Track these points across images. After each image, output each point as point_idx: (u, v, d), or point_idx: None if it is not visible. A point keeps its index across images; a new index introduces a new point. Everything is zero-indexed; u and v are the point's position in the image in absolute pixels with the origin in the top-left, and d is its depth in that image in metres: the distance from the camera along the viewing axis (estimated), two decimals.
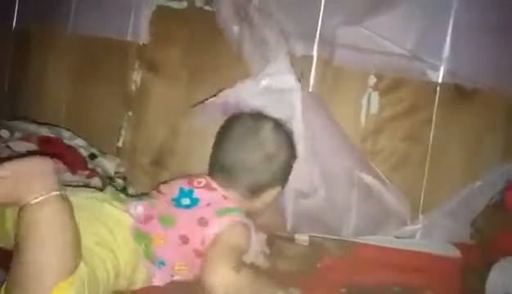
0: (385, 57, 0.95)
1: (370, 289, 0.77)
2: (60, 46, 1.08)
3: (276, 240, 0.89)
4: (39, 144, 0.85)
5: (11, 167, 0.54)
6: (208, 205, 0.72)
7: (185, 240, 0.69)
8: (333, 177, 0.90)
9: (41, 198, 0.53)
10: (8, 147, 0.80)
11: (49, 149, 0.85)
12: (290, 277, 0.77)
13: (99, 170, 0.92)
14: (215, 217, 0.70)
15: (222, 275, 0.63)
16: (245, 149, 0.77)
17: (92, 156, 0.94)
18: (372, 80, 0.96)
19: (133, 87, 1.05)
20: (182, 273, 0.70)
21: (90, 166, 0.92)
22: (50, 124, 0.96)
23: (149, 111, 1.05)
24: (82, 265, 0.56)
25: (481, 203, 0.91)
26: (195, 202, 0.73)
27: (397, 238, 0.93)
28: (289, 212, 0.89)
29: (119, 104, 1.05)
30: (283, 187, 0.82)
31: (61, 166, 0.72)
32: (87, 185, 0.86)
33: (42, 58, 1.08)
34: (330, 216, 0.90)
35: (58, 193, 0.54)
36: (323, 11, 0.96)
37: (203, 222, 0.70)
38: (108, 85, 1.06)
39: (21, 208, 0.53)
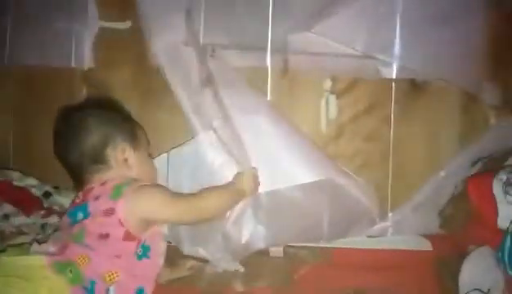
0: (338, 59, 0.95)
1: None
2: (4, 79, 1.02)
3: (251, 256, 0.87)
4: None
5: None
6: (97, 198, 0.72)
7: (105, 236, 0.69)
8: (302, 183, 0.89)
9: None
10: None
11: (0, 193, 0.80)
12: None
13: (56, 208, 0.87)
14: (114, 202, 0.71)
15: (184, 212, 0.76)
16: (69, 138, 0.79)
17: (47, 194, 0.89)
18: (328, 83, 0.97)
19: None
20: (117, 280, 0.68)
21: (46, 205, 0.86)
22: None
23: None
24: None
25: (446, 193, 0.92)
26: (85, 207, 0.72)
27: (369, 237, 0.93)
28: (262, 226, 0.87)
29: None
30: (130, 143, 0.80)
31: None
32: (44, 225, 0.81)
33: None
34: (304, 223, 0.89)
35: None
36: (271, 21, 0.95)
37: (108, 212, 0.70)
38: (55, 115, 1.00)
39: None
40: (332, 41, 0.94)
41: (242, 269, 0.83)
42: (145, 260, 0.72)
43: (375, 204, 0.95)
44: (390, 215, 0.95)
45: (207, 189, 0.80)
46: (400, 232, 0.94)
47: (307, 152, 0.92)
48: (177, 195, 0.78)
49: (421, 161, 0.97)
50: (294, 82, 0.96)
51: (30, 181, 0.89)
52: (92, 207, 0.71)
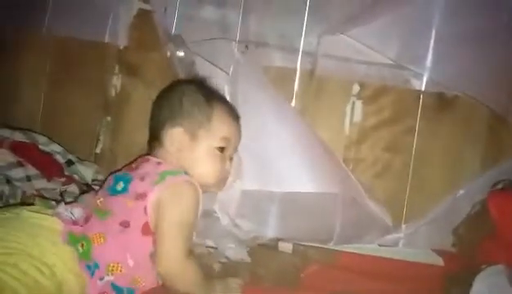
0: (368, 66, 0.95)
1: None
2: (35, 49, 1.04)
3: (259, 248, 0.87)
4: (13, 150, 0.81)
5: None
6: (143, 179, 0.69)
7: (126, 224, 0.66)
8: (317, 186, 0.89)
9: None
10: None
11: (23, 154, 0.81)
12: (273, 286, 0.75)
13: (76, 177, 0.89)
14: (153, 187, 0.67)
15: (170, 264, 0.65)
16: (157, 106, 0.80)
17: (69, 163, 0.90)
18: (356, 88, 0.97)
19: (113, 92, 1.03)
20: (116, 273, 0.65)
21: (67, 173, 0.88)
22: (25, 129, 0.92)
23: (128, 116, 1.02)
24: None
25: (463, 212, 0.91)
26: (128, 180, 0.70)
27: (380, 246, 0.93)
28: (273, 218, 0.87)
29: (98, 109, 1.02)
30: (188, 128, 0.75)
31: None
32: (62, 192, 0.82)
33: (17, 61, 1.04)
34: (315, 223, 0.89)
35: None
36: (305, 23, 0.96)
37: (141, 196, 0.67)
38: (86, 89, 1.03)
39: None
40: (364, 47, 0.94)
41: (249, 260, 0.83)
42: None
43: (387, 215, 0.96)
44: (404, 226, 0.94)
45: (198, 269, 0.68)
46: (412, 245, 0.93)
47: (322, 158, 0.93)
48: (188, 234, 0.68)
49: (441, 176, 0.96)
50: (322, 84, 0.97)
51: (55, 147, 0.90)
52: (134, 185, 0.69)
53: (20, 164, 0.81)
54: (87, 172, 0.91)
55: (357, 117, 0.96)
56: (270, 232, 0.88)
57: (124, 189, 0.69)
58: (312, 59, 0.95)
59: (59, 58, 1.04)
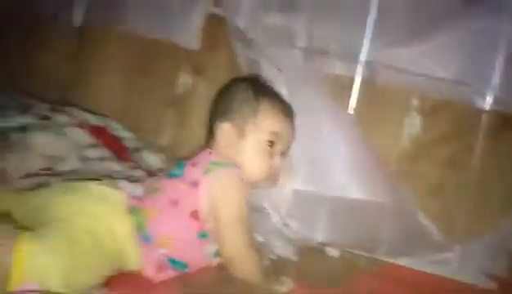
0: (430, 80, 0.95)
1: None
2: (116, 44, 1.13)
3: (306, 249, 0.89)
4: (91, 132, 0.89)
5: None
6: (195, 165, 0.74)
7: (175, 203, 0.71)
8: (368, 193, 0.90)
9: None
10: (64, 134, 0.85)
11: (100, 137, 0.89)
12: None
13: (142, 163, 0.95)
14: (203, 175, 0.71)
15: (234, 256, 0.69)
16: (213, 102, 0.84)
17: (137, 149, 0.98)
18: (415, 102, 0.96)
19: (180, 89, 1.10)
20: (168, 247, 0.70)
21: (134, 158, 0.95)
22: (102, 115, 1.00)
23: (192, 112, 1.08)
24: (37, 252, 0.55)
25: None
26: (183, 166, 0.75)
27: (430, 262, 0.91)
28: (322, 220, 0.89)
29: (166, 104, 1.10)
30: (237, 124, 0.78)
31: None
32: (130, 177, 0.89)
33: (100, 53, 1.14)
34: (363, 230, 0.89)
35: None
36: (367, 33, 0.97)
37: (194, 184, 0.71)
38: (157, 84, 1.11)
39: None
40: (427, 61, 0.94)
41: (295, 259, 0.85)
42: (205, 240, 0.72)
43: (439, 233, 0.94)
44: (456, 246, 0.92)
45: (258, 261, 0.72)
46: (463, 266, 0.91)
47: (375, 167, 0.93)
48: (247, 226, 0.71)
49: (500, 199, 0.92)
50: (381, 95, 0.97)
51: (125, 134, 0.98)
52: (187, 170, 0.74)
53: (95, 145, 0.88)
54: (153, 160, 0.97)
55: (415, 130, 0.96)
56: (318, 234, 0.89)
57: (179, 174, 0.74)
58: (372, 69, 0.97)
59: (135, 54, 1.12)
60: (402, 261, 0.90)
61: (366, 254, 0.90)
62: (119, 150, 0.92)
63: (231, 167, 0.74)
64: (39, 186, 0.73)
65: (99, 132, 0.91)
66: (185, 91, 1.10)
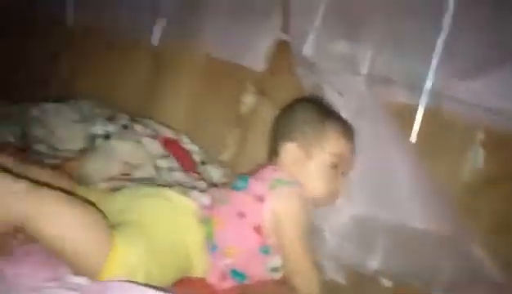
0: (496, 114, 0.94)
1: None
2: (188, 64, 1.21)
3: (358, 275, 0.90)
4: (164, 144, 0.97)
5: None
6: (259, 179, 0.78)
7: (242, 215, 0.74)
8: (427, 224, 0.89)
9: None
10: (140, 142, 0.93)
11: (171, 149, 0.96)
12: None
13: (206, 176, 1.01)
14: (268, 191, 0.75)
15: (304, 277, 0.72)
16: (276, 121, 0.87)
17: (203, 163, 1.04)
18: (480, 135, 0.95)
19: (244, 108, 1.16)
20: (232, 257, 0.73)
21: (199, 170, 1.01)
22: (173, 128, 1.08)
23: (254, 132, 1.13)
24: (126, 248, 0.60)
25: None
26: (246, 180, 0.79)
27: None
28: (378, 247, 0.89)
29: (229, 122, 1.16)
30: (303, 146, 0.82)
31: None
32: (194, 187, 0.95)
33: (173, 72, 1.23)
34: (420, 261, 0.89)
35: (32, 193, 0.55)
36: (434, 63, 0.98)
37: (259, 198, 0.75)
38: (222, 103, 1.17)
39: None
40: (493, 94, 0.93)
41: (345, 283, 0.86)
42: (266, 256, 0.75)
43: (500, 273, 0.91)
44: None
45: (319, 279, 0.76)
46: None
47: (435, 198, 0.92)
48: (309, 244, 0.76)
49: None
50: (445, 126, 0.97)
51: (194, 147, 1.05)
52: (252, 184, 0.78)
53: (166, 156, 0.96)
54: (215, 174, 1.03)
55: (478, 164, 0.95)
56: (373, 261, 0.90)
57: (244, 187, 0.79)
58: (437, 99, 0.97)
59: (205, 73, 1.20)
60: None
61: (421, 287, 0.89)
62: (186, 162, 0.98)
63: (295, 185, 0.78)
64: (119, 189, 0.80)
65: (171, 144, 0.98)
66: (249, 110, 1.16)
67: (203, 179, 1.00)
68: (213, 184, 1.00)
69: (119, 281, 0.55)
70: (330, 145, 0.82)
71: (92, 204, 0.64)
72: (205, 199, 0.78)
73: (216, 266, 0.73)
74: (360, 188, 0.90)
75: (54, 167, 0.82)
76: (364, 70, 1.02)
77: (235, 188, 0.81)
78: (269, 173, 0.80)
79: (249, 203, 0.76)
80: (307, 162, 0.81)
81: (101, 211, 0.64)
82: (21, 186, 0.55)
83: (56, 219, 0.55)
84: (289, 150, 0.82)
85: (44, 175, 0.71)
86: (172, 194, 0.76)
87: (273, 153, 0.86)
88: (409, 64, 1.00)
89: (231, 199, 0.78)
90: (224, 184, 1.00)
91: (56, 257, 0.57)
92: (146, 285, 0.56)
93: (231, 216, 0.75)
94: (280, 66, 1.14)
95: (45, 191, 0.57)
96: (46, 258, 0.58)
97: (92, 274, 0.57)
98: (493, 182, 0.94)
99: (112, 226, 0.63)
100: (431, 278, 0.90)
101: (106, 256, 0.58)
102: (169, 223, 0.70)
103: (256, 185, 0.78)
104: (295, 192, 0.77)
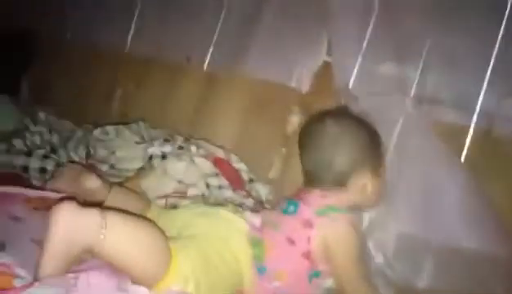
0: None
1: None
2: (237, 86, 1.28)
3: None
4: (215, 163, 1.02)
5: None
6: (308, 204, 0.79)
7: (291, 241, 0.76)
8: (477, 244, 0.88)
9: (101, 235, 0.58)
10: (193, 161, 0.99)
11: (221, 167, 1.02)
12: None
13: (253, 193, 1.05)
14: (317, 217, 0.76)
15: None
16: (315, 145, 0.83)
17: (251, 180, 1.08)
18: None
19: (290, 128, 1.19)
20: (281, 281, 0.75)
21: (247, 188, 1.05)
22: (223, 147, 1.14)
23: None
24: (182, 259, 0.63)
25: None
26: (296, 205, 0.80)
27: None
28: (427, 267, 0.88)
29: (276, 141, 1.19)
30: (373, 170, 0.82)
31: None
32: (241, 204, 0.99)
33: (223, 95, 1.30)
34: (470, 282, 0.87)
35: (107, 221, 0.59)
36: (485, 82, 0.97)
37: (307, 224, 0.76)
38: (269, 123, 1.21)
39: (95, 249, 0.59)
40: None
41: None
42: (315, 280, 0.77)
43: None
44: None
45: None
46: None
47: (487, 218, 0.90)
48: (362, 267, 0.77)
49: None
50: (497, 146, 0.95)
51: (242, 166, 1.10)
52: (301, 209, 0.80)
53: (216, 175, 1.01)
54: (262, 191, 1.07)
55: None
56: (421, 280, 0.89)
57: (294, 211, 0.81)
58: (488, 119, 0.96)
59: (252, 95, 1.25)
60: None
61: None
62: (235, 180, 1.03)
63: (345, 212, 0.79)
64: (174, 206, 0.86)
65: (221, 163, 1.03)
66: (294, 130, 1.19)
67: (251, 196, 1.04)
68: (261, 202, 1.04)
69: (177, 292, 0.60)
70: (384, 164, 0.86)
71: (150, 220, 0.70)
72: (257, 221, 0.80)
73: (264, 288, 0.76)
74: (407, 206, 0.90)
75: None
76: (412, 91, 1.03)
77: (285, 212, 0.82)
78: (317, 199, 0.81)
79: (298, 230, 0.77)
80: (371, 186, 0.83)
81: (158, 226, 0.68)
82: (95, 212, 0.60)
83: (125, 240, 0.61)
84: (364, 182, 0.82)
85: (121, 193, 0.79)
86: (228, 214, 0.80)
87: (322, 181, 0.83)
88: (459, 84, 1.00)
89: (282, 224, 0.80)
90: (272, 205, 1.03)
91: (119, 270, 0.62)
92: None
93: (281, 241, 0.77)
94: (323, 86, 1.17)
95: (113, 214, 0.62)
96: (112, 270, 0.64)
97: (151, 285, 0.62)
98: None
99: (170, 239, 0.68)
100: None
101: (165, 268, 0.63)
102: (223, 241, 0.74)
103: (304, 210, 0.80)
104: (348, 218, 0.78)
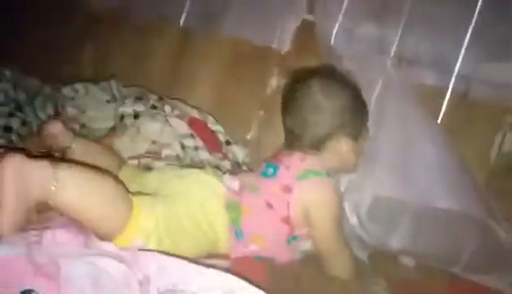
0: None
1: None
2: (214, 45, 1.23)
3: (379, 255, 0.91)
4: (189, 124, 0.99)
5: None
6: (287, 167, 0.77)
7: (270, 206, 0.75)
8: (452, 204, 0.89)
9: (52, 186, 0.57)
10: (167, 122, 0.95)
11: (197, 129, 0.99)
12: None
13: (230, 156, 1.03)
14: (296, 181, 0.75)
15: (341, 264, 0.74)
16: (298, 106, 0.80)
17: (228, 142, 1.06)
18: (509, 118, 0.94)
19: (268, 90, 1.16)
20: (259, 245, 0.74)
21: (224, 150, 1.03)
22: (200, 108, 1.10)
23: (278, 113, 1.14)
24: (144, 216, 0.63)
25: None
26: (276, 168, 0.78)
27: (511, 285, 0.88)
28: (401, 228, 0.90)
29: (254, 103, 1.17)
30: (354, 135, 0.80)
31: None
32: (218, 166, 0.97)
33: (199, 53, 1.25)
34: (443, 242, 0.89)
35: (58, 172, 0.57)
36: (466, 45, 0.96)
37: (286, 189, 0.75)
38: (248, 85, 1.18)
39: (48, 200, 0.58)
40: None
41: (366, 262, 0.87)
42: (293, 242, 0.77)
43: None
44: None
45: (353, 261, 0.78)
46: None
47: (461, 179, 0.91)
48: (340, 231, 0.77)
49: None
50: (473, 108, 0.96)
51: (219, 128, 1.07)
52: (281, 173, 0.78)
53: (192, 136, 0.98)
54: (239, 154, 1.05)
55: (506, 148, 0.93)
56: (394, 241, 0.91)
57: (273, 174, 0.79)
58: (466, 82, 0.96)
59: (231, 56, 1.21)
60: (480, 279, 0.88)
61: (443, 267, 0.90)
62: (212, 142, 1.00)
63: (324, 175, 0.77)
64: (148, 166, 0.83)
65: (197, 124, 1.00)
66: (273, 92, 1.16)
67: (227, 158, 1.02)
68: (237, 164, 1.03)
69: (151, 250, 0.58)
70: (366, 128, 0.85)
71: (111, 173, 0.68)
72: (235, 184, 0.78)
73: (240, 251, 0.75)
74: (384, 168, 0.90)
75: None
76: (392, 52, 1.02)
77: (264, 175, 0.81)
78: (296, 162, 0.79)
79: (277, 194, 0.76)
80: (349, 152, 0.81)
81: (119, 180, 0.67)
82: (45, 164, 0.58)
83: (79, 191, 0.59)
84: (344, 147, 0.80)
85: (92, 148, 0.77)
86: (205, 177, 0.77)
87: (297, 140, 0.82)
88: (438, 47, 0.99)
89: (260, 188, 0.78)
90: (250, 167, 1.02)
91: (79, 223, 0.61)
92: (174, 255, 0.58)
93: (260, 205, 0.76)
94: (304, 46, 1.14)
95: (66, 166, 0.61)
96: (79, 228, 0.61)
97: (110, 237, 0.61)
98: None
99: (137, 195, 0.66)
100: (454, 259, 0.90)
101: (124, 221, 0.62)
102: (197, 204, 0.72)
103: (283, 173, 0.78)
104: (327, 182, 0.77)
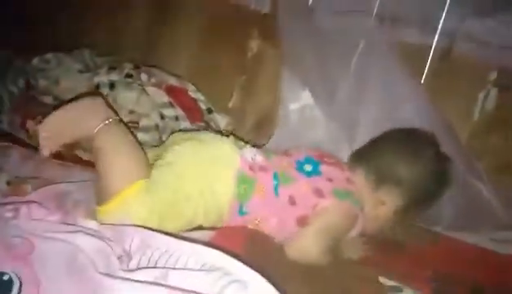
0: (509, 52, 0.91)
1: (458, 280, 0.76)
2: (193, 7, 1.17)
3: None
4: (168, 92, 0.95)
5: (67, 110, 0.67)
6: (330, 180, 0.73)
7: (292, 202, 0.71)
8: None
9: (98, 127, 0.65)
10: (144, 91, 0.92)
11: (177, 97, 0.95)
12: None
13: (212, 124, 1.01)
14: (332, 196, 0.71)
15: (306, 252, 0.69)
16: (396, 153, 0.77)
17: (209, 110, 1.03)
18: (493, 76, 0.93)
19: (249, 54, 1.12)
20: (261, 229, 0.71)
21: (205, 119, 1.00)
22: (179, 76, 1.06)
23: (260, 78, 1.11)
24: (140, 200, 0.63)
25: None
26: (316, 172, 0.74)
27: (491, 240, 0.90)
28: None
29: (235, 68, 1.13)
30: (402, 207, 0.76)
31: None
32: None
33: (177, 16, 1.19)
34: None
35: (110, 120, 0.66)
36: (449, 1, 0.94)
37: (319, 193, 0.71)
38: (228, 49, 1.14)
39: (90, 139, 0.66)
40: (508, 33, 0.90)
41: None
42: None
43: (506, 212, 0.92)
44: None
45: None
46: None
47: (444, 138, 0.90)
48: (328, 241, 0.71)
49: None
50: (457, 66, 0.95)
51: (200, 96, 1.04)
52: (319, 178, 0.73)
53: (171, 105, 0.95)
54: (220, 122, 1.03)
55: (490, 105, 0.93)
56: None
57: (309, 175, 0.74)
58: (449, 39, 0.94)
59: (211, 18, 1.16)
60: (464, 237, 0.90)
61: (427, 226, 0.91)
62: (192, 111, 0.98)
63: (357, 205, 0.74)
64: None
65: (176, 93, 0.97)
66: (254, 56, 1.12)
67: (209, 127, 1.00)
68: (220, 133, 1.00)
69: (133, 226, 0.57)
70: None
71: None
72: (258, 158, 0.73)
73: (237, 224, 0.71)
74: (366, 128, 0.89)
75: None
76: (374, 10, 0.98)
77: (300, 170, 0.75)
78: (341, 180, 0.75)
79: (307, 195, 0.72)
80: (388, 214, 0.77)
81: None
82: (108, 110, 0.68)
83: (115, 148, 0.66)
84: (389, 198, 0.76)
85: None
86: (222, 146, 0.73)
87: (359, 169, 0.77)
88: (421, 4, 0.96)
89: (292, 180, 0.73)
90: (228, 134, 0.98)
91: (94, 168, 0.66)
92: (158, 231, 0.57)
93: (282, 195, 0.71)
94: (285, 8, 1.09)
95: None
96: (56, 205, 0.60)
97: (111, 194, 0.62)
98: (503, 122, 0.93)
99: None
100: (437, 217, 0.91)
101: (128, 184, 0.64)
102: (202, 176, 0.68)
103: (322, 182, 0.73)
104: (353, 208, 0.74)
